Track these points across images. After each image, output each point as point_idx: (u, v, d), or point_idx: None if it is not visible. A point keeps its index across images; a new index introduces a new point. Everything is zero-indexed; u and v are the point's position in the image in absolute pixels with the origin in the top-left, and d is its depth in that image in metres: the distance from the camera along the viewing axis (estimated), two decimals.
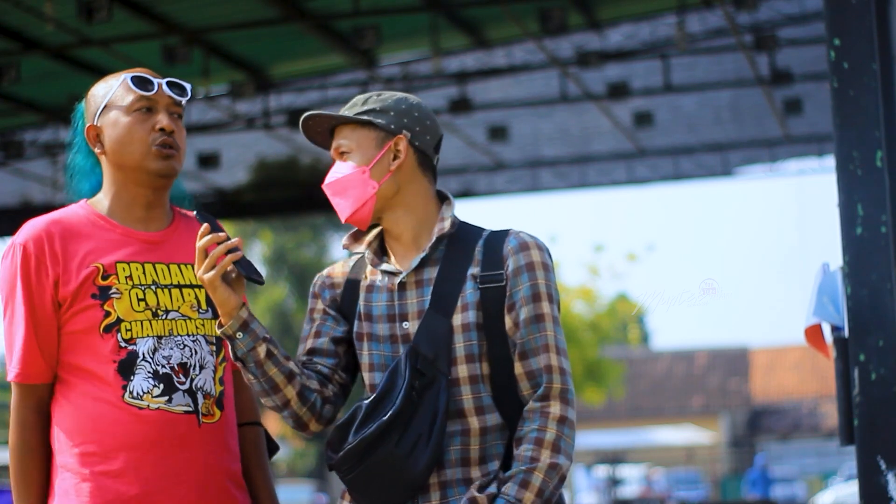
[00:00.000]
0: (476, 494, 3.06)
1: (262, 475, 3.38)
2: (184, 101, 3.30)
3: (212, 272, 3.06)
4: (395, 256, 3.23)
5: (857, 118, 4.26)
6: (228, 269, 3.10)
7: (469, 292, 3.13)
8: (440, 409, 3.07)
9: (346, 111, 3.23)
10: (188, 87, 3.32)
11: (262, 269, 48.53)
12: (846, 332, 4.27)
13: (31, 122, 17.47)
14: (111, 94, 3.29)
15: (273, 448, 3.45)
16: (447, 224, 3.19)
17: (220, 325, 3.11)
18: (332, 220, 45.88)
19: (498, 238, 3.19)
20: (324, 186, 3.22)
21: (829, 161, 18.58)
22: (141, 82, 3.26)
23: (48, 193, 19.27)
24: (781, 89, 17.23)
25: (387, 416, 3.05)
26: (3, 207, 20.19)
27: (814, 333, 4.57)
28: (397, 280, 3.18)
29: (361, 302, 3.22)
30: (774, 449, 47.78)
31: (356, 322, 3.22)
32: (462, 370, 3.11)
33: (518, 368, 3.12)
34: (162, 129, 3.23)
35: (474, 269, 3.15)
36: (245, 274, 3.09)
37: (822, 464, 43.27)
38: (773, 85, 16.75)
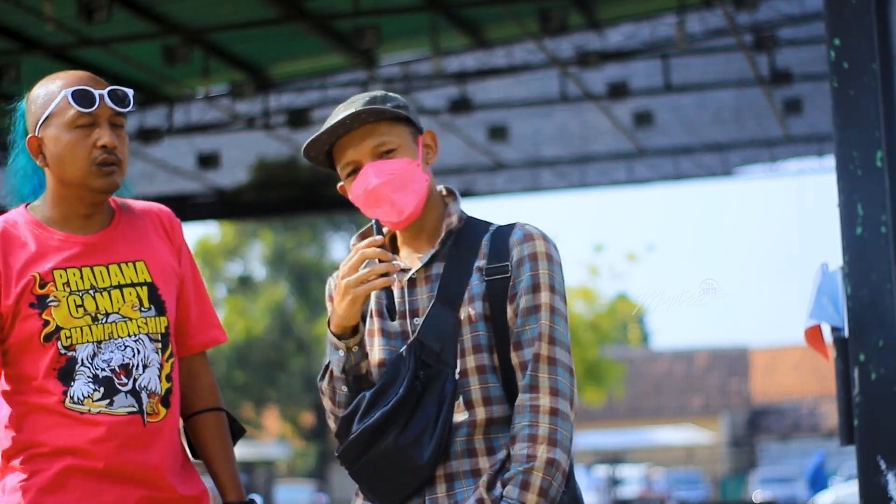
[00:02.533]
0: (484, 496, 3.04)
1: (225, 462, 3.36)
2: (127, 110, 3.25)
3: (363, 287, 3.02)
4: (405, 253, 3.22)
5: (857, 118, 4.26)
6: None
7: (475, 284, 3.12)
8: (446, 399, 3.05)
9: (365, 108, 3.13)
10: (130, 94, 3.27)
11: (262, 269, 48.55)
12: (846, 332, 4.27)
13: None
14: (52, 105, 3.24)
15: (239, 431, 3.42)
16: (454, 219, 3.18)
17: (337, 335, 3.09)
18: (332, 220, 45.84)
19: (504, 231, 3.17)
20: (380, 186, 3.11)
21: (829, 161, 18.57)
22: (81, 98, 3.21)
23: None
24: (781, 89, 17.23)
25: (389, 405, 3.03)
26: (3, 207, 20.17)
27: (813, 334, 4.57)
28: (406, 276, 3.17)
29: (373, 299, 3.20)
30: (774, 449, 47.78)
31: (368, 319, 3.21)
32: (470, 360, 3.09)
33: (513, 359, 3.09)
34: (104, 147, 3.20)
35: (480, 262, 3.14)
36: (387, 304, 3.07)
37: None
38: (773, 85, 16.76)
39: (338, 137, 3.16)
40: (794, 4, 15.47)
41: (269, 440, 47.52)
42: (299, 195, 20.62)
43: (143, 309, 3.24)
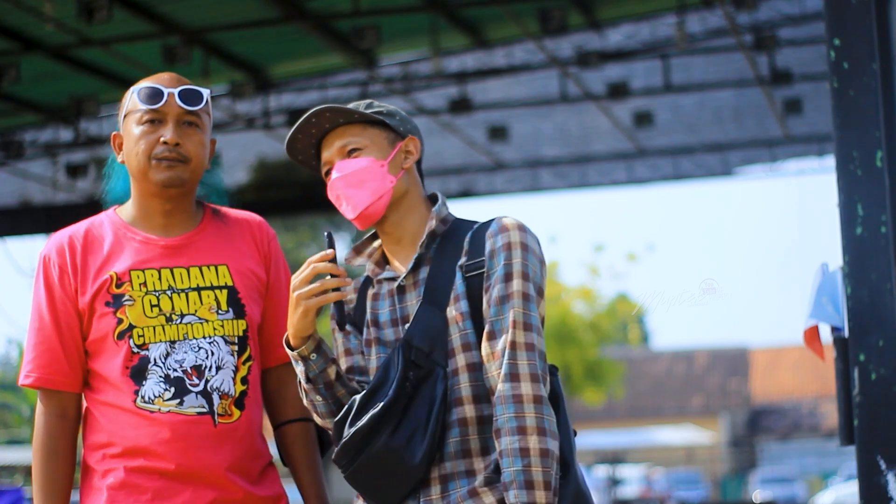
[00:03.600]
0: (478, 488, 3.05)
1: (309, 473, 3.43)
2: (197, 109, 3.29)
3: (313, 300, 3.04)
4: (396, 262, 3.24)
5: (857, 118, 4.25)
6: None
7: (459, 283, 3.13)
8: (437, 399, 3.05)
9: (329, 105, 3.23)
10: (205, 93, 3.32)
11: None
12: (846, 332, 4.27)
13: (31, 122, 17.47)
14: (128, 103, 3.33)
15: (327, 441, 3.44)
16: (434, 222, 3.20)
17: (291, 346, 3.11)
18: (333, 220, 45.83)
19: (483, 227, 3.19)
20: (334, 180, 3.19)
21: (829, 161, 18.56)
22: (148, 95, 3.27)
23: (48, 193, 19.27)
24: (781, 89, 17.23)
25: (378, 407, 3.04)
26: (3, 207, 20.18)
27: (812, 335, 4.57)
28: (395, 284, 3.19)
29: (369, 310, 3.23)
30: (774, 449, 47.78)
31: (365, 330, 3.23)
32: (461, 359, 3.10)
33: (485, 349, 3.07)
34: (165, 142, 3.25)
35: (462, 260, 3.16)
36: (337, 318, 3.10)
37: (822, 464, 43.29)
38: (773, 85, 16.75)
39: (319, 141, 3.25)
40: (794, 4, 15.47)
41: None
42: (299, 195, 20.61)
43: (220, 311, 3.28)
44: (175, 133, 3.25)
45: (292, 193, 20.66)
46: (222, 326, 3.27)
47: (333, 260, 3.09)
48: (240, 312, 3.29)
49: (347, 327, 3.26)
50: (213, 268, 3.31)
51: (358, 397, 3.09)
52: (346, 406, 3.11)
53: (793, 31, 16.00)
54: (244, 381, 3.29)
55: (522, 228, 3.14)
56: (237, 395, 3.27)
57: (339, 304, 3.09)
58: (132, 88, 3.33)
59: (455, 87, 16.93)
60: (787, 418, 48.70)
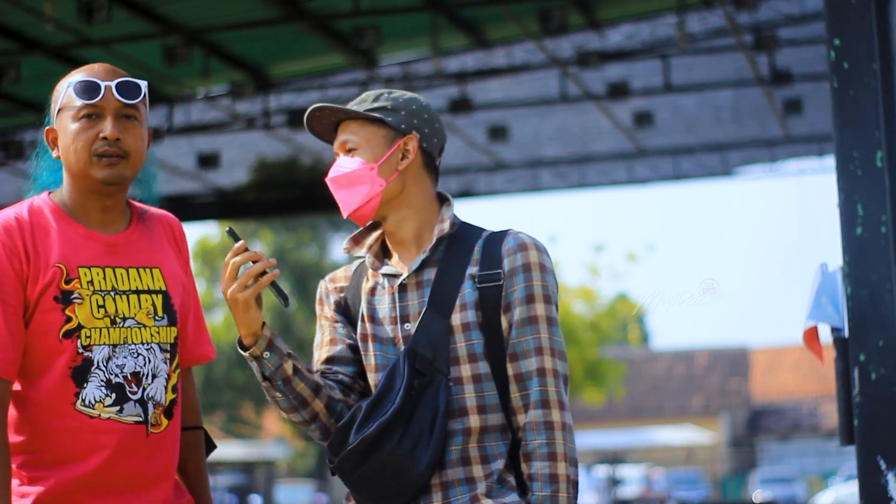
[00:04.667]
0: (479, 494, 3.06)
1: (202, 481, 3.36)
2: (136, 102, 3.19)
3: (247, 291, 3.01)
4: (396, 258, 3.23)
5: (857, 118, 4.25)
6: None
7: (468, 292, 3.13)
8: (440, 407, 3.06)
9: (356, 106, 3.22)
10: (142, 85, 3.21)
11: None
12: (846, 332, 4.26)
13: (31, 122, 17.47)
14: (62, 97, 3.21)
15: (210, 447, 3.42)
16: (447, 225, 3.18)
17: (244, 347, 3.08)
18: (333, 220, 45.87)
19: (497, 238, 3.18)
20: (328, 180, 3.21)
21: (829, 161, 18.58)
22: (84, 89, 3.17)
23: None
24: (781, 89, 17.24)
25: (387, 414, 3.04)
26: (2, 207, 20.17)
27: (810, 336, 4.57)
28: (398, 282, 3.18)
29: (364, 304, 3.21)
30: (774, 449, 47.77)
31: (360, 324, 3.21)
32: (465, 369, 3.11)
33: (508, 370, 3.12)
34: (105, 138, 3.14)
35: (473, 269, 3.15)
36: (277, 294, 3.05)
37: (822, 464, 43.27)
38: (773, 85, 16.76)
39: (335, 127, 3.25)
40: (794, 4, 15.48)
41: (269, 440, 47.50)
42: (299, 195, 20.61)
43: (156, 318, 3.20)
44: (114, 128, 3.14)
45: (292, 193, 20.66)
46: (158, 333, 3.18)
47: (247, 250, 3.05)
48: (172, 319, 3.21)
49: (336, 316, 3.25)
50: (148, 270, 3.21)
51: (364, 404, 3.09)
52: (351, 412, 3.10)
53: (793, 31, 16.02)
54: (174, 389, 3.21)
55: (539, 248, 3.17)
56: (167, 403, 3.19)
57: (274, 285, 3.04)
58: (66, 81, 3.22)
59: (455, 87, 16.94)
60: (787, 418, 48.69)
